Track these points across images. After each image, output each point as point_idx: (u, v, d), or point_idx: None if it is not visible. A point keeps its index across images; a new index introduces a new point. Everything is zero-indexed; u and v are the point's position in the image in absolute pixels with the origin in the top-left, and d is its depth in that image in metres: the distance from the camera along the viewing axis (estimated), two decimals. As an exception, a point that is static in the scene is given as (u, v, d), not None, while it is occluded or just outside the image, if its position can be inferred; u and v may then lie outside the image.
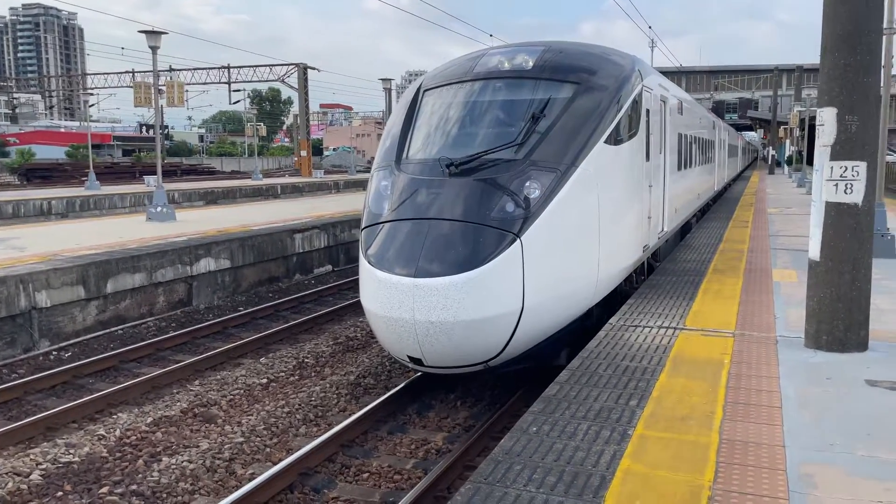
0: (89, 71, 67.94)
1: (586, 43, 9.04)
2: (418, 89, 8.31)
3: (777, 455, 3.92)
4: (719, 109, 69.56)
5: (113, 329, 11.08)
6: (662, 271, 9.64)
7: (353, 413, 7.34)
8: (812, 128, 6.00)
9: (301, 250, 15.80)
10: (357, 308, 11.87)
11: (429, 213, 6.66)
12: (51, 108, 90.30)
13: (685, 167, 12.89)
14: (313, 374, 9.01)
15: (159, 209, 17.66)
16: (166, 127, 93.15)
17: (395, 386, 8.00)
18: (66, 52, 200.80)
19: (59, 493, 5.81)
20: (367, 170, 56.80)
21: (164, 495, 5.78)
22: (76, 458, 6.41)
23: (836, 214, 5.67)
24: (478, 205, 6.58)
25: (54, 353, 9.93)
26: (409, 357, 6.60)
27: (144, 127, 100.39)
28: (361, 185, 39.93)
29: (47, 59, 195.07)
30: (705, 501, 3.40)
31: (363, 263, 6.87)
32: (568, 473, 3.71)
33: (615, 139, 7.48)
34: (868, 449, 3.99)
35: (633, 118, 8.07)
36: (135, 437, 6.92)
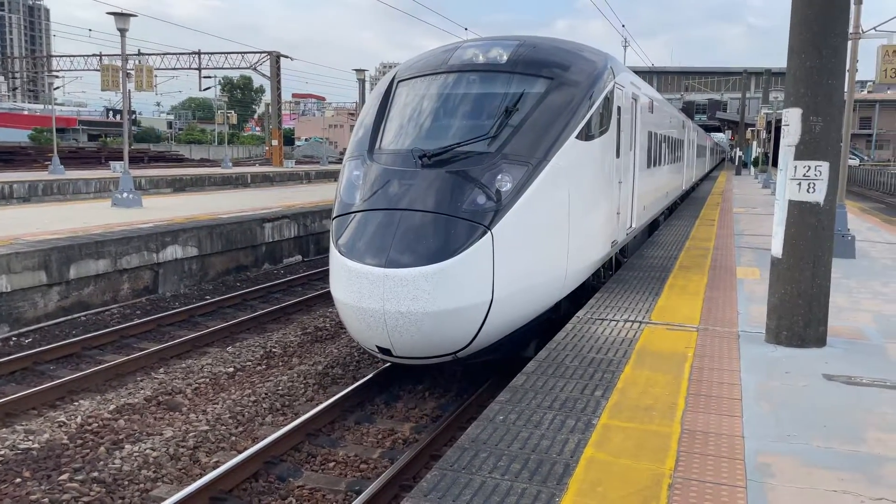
0: (55, 53, 66.30)
1: (560, 39, 9.10)
2: (392, 80, 8.29)
3: (736, 445, 4.01)
4: (689, 110, 70.49)
5: (76, 315, 10.89)
6: (630, 267, 9.77)
7: (321, 403, 7.32)
8: (778, 130, 6.13)
9: (270, 240, 15.67)
10: (327, 298, 11.83)
11: (400, 203, 6.65)
12: (14, 90, 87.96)
13: (654, 165, 13.06)
14: (281, 363, 8.96)
15: (125, 195, 17.36)
16: (134, 112, 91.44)
17: (364, 376, 8.00)
18: (32, 34, 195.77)
19: (18, 480, 5.70)
20: (340, 161, 56.51)
21: (126, 483, 5.71)
22: (35, 445, 6.30)
23: (799, 213, 5.80)
24: (449, 196, 6.60)
25: (14, 338, 9.73)
26: (378, 347, 6.61)
27: (111, 112, 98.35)
28: (333, 175, 39.69)
29: (11, 39, 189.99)
30: (665, 489, 3.48)
31: (333, 253, 6.85)
32: (533, 461, 3.75)
33: (586, 135, 7.55)
34: (824, 440, 4.10)
35: (605, 115, 8.15)
36: (96, 425, 6.82)
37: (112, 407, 7.24)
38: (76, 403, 7.40)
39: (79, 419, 6.90)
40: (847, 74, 10.00)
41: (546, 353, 5.70)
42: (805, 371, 5.34)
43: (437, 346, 6.46)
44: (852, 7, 10.57)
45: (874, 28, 13.69)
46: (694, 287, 8.42)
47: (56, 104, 48.12)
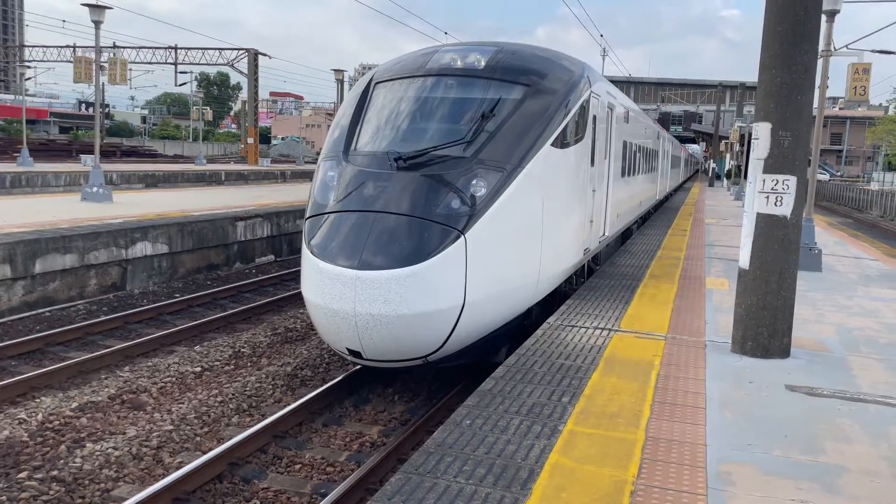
0: (27, 43, 65.07)
1: (538, 46, 9.16)
2: (370, 82, 8.27)
3: (699, 453, 4.06)
4: (665, 121, 71.31)
5: (40, 311, 10.68)
6: (602, 274, 9.85)
7: (289, 404, 7.26)
8: (751, 143, 6.24)
9: (243, 238, 15.53)
10: (298, 299, 11.74)
11: (375, 205, 6.64)
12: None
13: (629, 174, 13.19)
14: (249, 364, 8.88)
15: (95, 189, 17.09)
16: (107, 106, 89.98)
17: (333, 378, 7.95)
18: (4, 22, 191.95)
19: (-26, 478, 5.57)
20: (316, 160, 56.12)
21: (87, 482, 5.61)
22: (-6, 442, 6.16)
23: (766, 225, 5.90)
24: (424, 200, 6.60)
25: (-25, 333, 9.51)
26: (348, 349, 6.58)
27: (84, 104, 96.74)
28: (309, 175, 39.44)
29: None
30: (628, 495, 3.50)
31: (306, 253, 6.81)
32: (498, 466, 3.76)
33: (562, 142, 7.60)
34: (784, 450, 4.17)
35: (580, 123, 8.21)
36: (58, 423, 6.69)
37: (74, 405, 7.11)
38: (38, 400, 7.25)
39: (40, 416, 6.76)
40: (817, 91, 10.20)
41: (516, 358, 5.72)
42: (768, 381, 5.43)
43: (408, 349, 6.45)
44: (823, 24, 10.80)
45: (846, 46, 14.02)
46: (663, 296, 8.51)
47: (27, 95, 47.14)
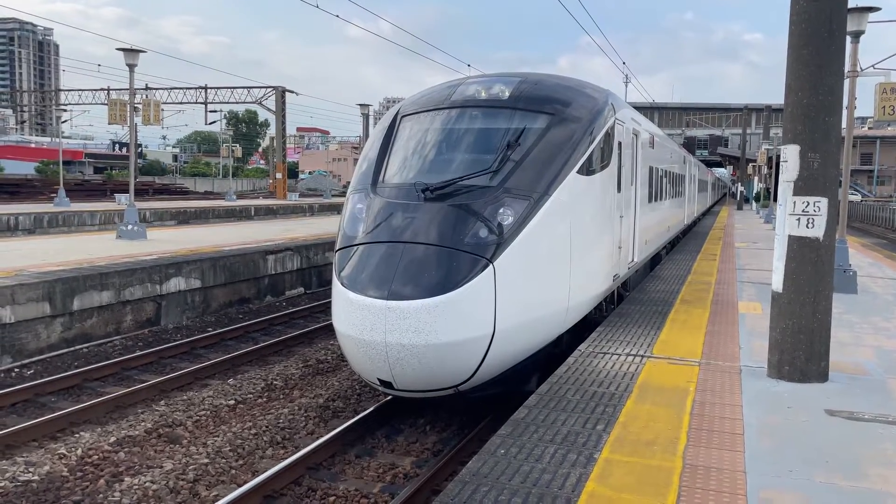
0: (63, 87, 67.26)
1: (561, 75, 9.26)
2: (396, 115, 8.42)
3: (738, 480, 3.99)
4: (690, 145, 71.02)
5: (78, 347, 10.89)
6: (632, 300, 9.79)
7: (321, 436, 7.29)
8: (779, 165, 6.19)
9: (273, 272, 15.72)
10: (328, 331, 11.82)
11: (403, 236, 6.71)
12: (22, 122, 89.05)
13: (656, 200, 13.15)
14: (282, 396, 8.94)
15: (130, 227, 17.47)
16: (140, 145, 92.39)
17: (365, 409, 7.97)
18: (41, 68, 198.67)
19: (16, 513, 5.67)
20: (343, 194, 56.78)
21: (125, 516, 5.67)
22: (35, 477, 6.27)
23: (799, 248, 5.84)
24: (452, 230, 6.66)
25: (16, 370, 9.72)
26: (379, 380, 6.60)
27: (117, 145, 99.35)
28: (336, 208, 39.90)
29: (20, 73, 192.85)
30: (667, 524, 3.46)
31: (336, 285, 6.88)
32: (534, 495, 3.74)
33: (587, 170, 7.63)
34: (825, 476, 4.09)
35: (606, 150, 8.25)
36: (97, 457, 6.79)
37: (112, 439, 7.22)
38: (77, 435, 7.38)
39: (79, 451, 6.88)
40: (845, 111, 10.14)
41: (548, 386, 5.70)
42: (807, 406, 5.33)
43: (439, 379, 6.45)
44: (848, 45, 10.75)
45: (872, 66, 13.90)
46: (696, 321, 8.42)
47: (63, 137, 48.62)
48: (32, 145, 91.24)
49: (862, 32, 11.03)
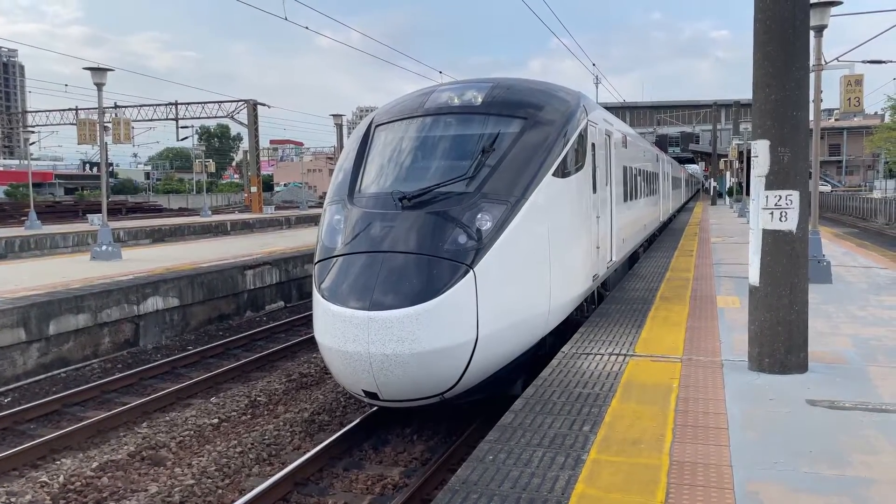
0: (31, 108, 66.27)
1: (533, 79, 9.32)
2: (370, 125, 8.41)
3: (725, 474, 4.03)
4: (662, 143, 71.55)
5: (56, 372, 10.71)
6: (612, 300, 9.85)
7: (308, 451, 7.23)
8: (750, 160, 6.31)
9: (252, 287, 15.60)
10: (310, 344, 11.74)
11: (382, 245, 6.70)
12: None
13: (631, 199, 13.26)
14: (266, 412, 8.86)
15: (104, 248, 17.24)
16: (111, 164, 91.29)
17: (351, 422, 7.92)
18: (6, 90, 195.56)
19: (-2, 545, 5.55)
20: (319, 205, 56.53)
21: (111, 542, 5.58)
22: (16, 508, 6.14)
23: (773, 241, 5.93)
24: (431, 237, 6.66)
25: (-8, 398, 9.53)
26: (364, 391, 6.57)
27: (88, 164, 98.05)
28: (313, 220, 39.72)
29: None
30: (658, 522, 3.48)
31: (317, 297, 6.85)
32: (524, 500, 3.74)
33: (563, 172, 7.68)
34: (810, 465, 4.14)
35: (580, 152, 8.31)
36: (79, 483, 6.67)
37: (95, 464, 7.10)
38: (58, 462, 7.25)
39: (61, 478, 6.75)
40: (812, 104, 10.31)
41: (533, 389, 5.71)
42: (789, 397, 5.40)
43: (424, 387, 6.44)
44: (812, 40, 10.95)
45: (836, 59, 14.18)
46: (676, 318, 8.50)
47: (32, 159, 47.87)
48: (0, 168, 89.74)
49: (825, 27, 11.24)
